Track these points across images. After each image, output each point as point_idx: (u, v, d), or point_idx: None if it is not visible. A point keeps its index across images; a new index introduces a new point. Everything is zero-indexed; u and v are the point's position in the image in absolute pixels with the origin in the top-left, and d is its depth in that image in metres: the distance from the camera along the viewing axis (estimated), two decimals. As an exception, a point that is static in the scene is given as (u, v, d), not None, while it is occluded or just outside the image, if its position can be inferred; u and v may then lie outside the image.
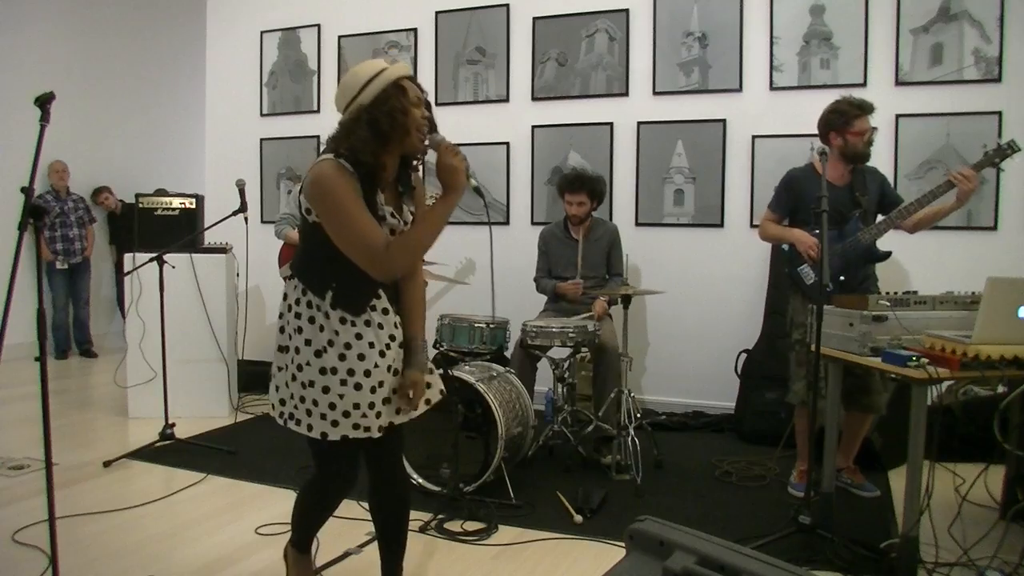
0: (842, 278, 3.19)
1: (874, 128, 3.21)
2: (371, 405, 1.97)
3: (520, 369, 3.79)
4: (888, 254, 3.27)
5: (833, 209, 3.00)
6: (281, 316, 2.05)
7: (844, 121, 3.17)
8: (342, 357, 1.94)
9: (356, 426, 1.96)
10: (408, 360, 2.08)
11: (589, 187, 4.12)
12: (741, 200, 4.67)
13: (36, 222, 2.03)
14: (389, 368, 2.01)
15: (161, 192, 5.08)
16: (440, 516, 2.98)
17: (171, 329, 4.07)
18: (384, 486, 2.21)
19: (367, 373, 1.96)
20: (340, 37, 5.65)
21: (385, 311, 2.01)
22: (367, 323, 1.97)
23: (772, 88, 4.57)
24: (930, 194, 3.06)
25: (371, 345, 1.97)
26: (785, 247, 3.37)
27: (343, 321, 1.95)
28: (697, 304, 4.79)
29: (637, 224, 4.90)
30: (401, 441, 2.22)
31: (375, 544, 2.71)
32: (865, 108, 3.18)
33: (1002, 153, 3.00)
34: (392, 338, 2.03)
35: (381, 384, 1.99)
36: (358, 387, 1.95)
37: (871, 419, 3.41)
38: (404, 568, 2.30)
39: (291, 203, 4.57)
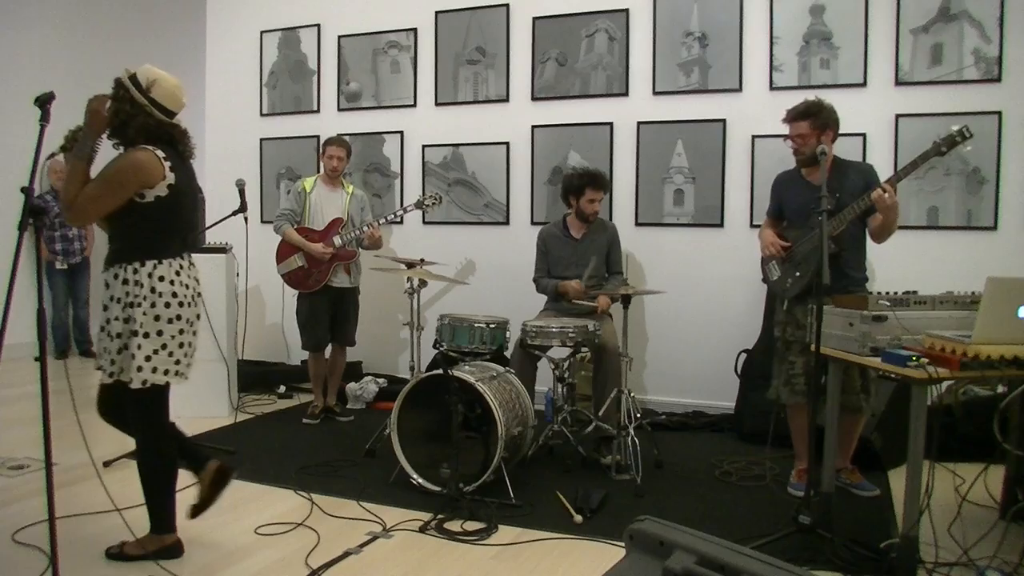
0: (797, 273, 3.23)
1: (792, 135, 3.21)
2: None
3: (520, 369, 3.79)
4: (838, 251, 3.15)
5: (804, 207, 3.15)
6: None
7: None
8: None
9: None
10: None
11: (606, 182, 4.26)
12: (741, 200, 4.67)
13: (36, 222, 2.04)
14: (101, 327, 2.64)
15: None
16: (440, 516, 2.97)
17: (171, 329, 4.06)
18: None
19: None
20: (340, 37, 5.65)
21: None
22: None
23: (772, 88, 4.57)
24: (855, 206, 3.04)
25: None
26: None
27: None
28: (697, 304, 4.79)
29: (637, 224, 4.90)
30: (121, 399, 2.75)
31: (375, 544, 2.74)
32: (789, 112, 3.25)
33: (950, 142, 2.93)
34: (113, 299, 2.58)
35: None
36: None
37: (861, 419, 3.38)
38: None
39: (291, 200, 4.57)
